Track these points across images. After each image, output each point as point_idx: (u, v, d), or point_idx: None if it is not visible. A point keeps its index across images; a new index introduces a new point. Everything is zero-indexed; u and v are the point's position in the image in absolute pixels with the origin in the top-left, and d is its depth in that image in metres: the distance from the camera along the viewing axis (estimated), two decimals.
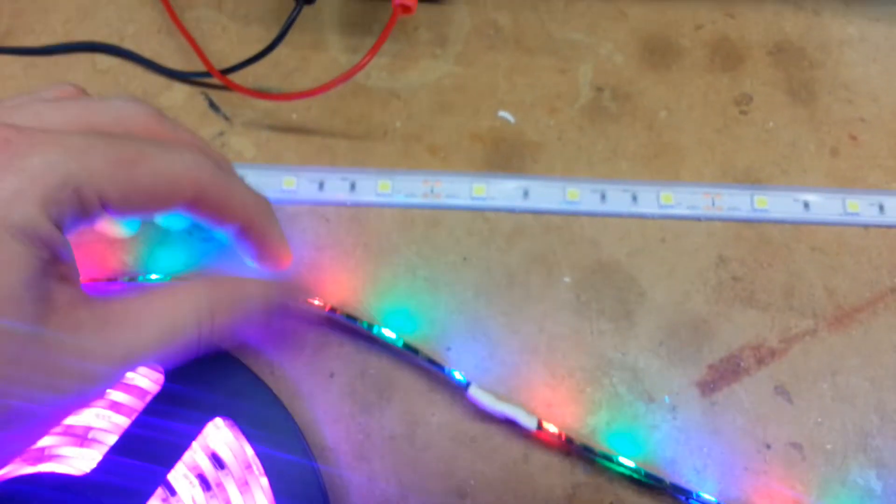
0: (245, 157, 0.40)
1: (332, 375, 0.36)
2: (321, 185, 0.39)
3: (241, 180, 0.31)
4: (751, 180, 0.42)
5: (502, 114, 0.42)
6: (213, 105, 0.41)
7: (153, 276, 0.36)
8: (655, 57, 0.44)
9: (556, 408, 0.36)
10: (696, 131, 0.42)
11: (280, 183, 0.39)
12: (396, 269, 0.38)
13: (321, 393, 0.36)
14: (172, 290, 0.28)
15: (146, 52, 0.42)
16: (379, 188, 0.40)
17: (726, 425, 0.37)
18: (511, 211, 0.40)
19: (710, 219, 0.40)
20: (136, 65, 0.42)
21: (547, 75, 0.43)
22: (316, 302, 0.36)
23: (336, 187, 0.40)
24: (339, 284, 0.38)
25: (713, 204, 0.40)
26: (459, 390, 0.35)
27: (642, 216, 0.40)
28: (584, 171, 0.41)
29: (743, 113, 0.43)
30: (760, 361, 0.38)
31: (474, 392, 0.35)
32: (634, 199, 0.40)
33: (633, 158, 0.42)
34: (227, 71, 0.40)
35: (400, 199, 0.39)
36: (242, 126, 0.41)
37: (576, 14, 0.45)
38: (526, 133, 0.42)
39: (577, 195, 0.40)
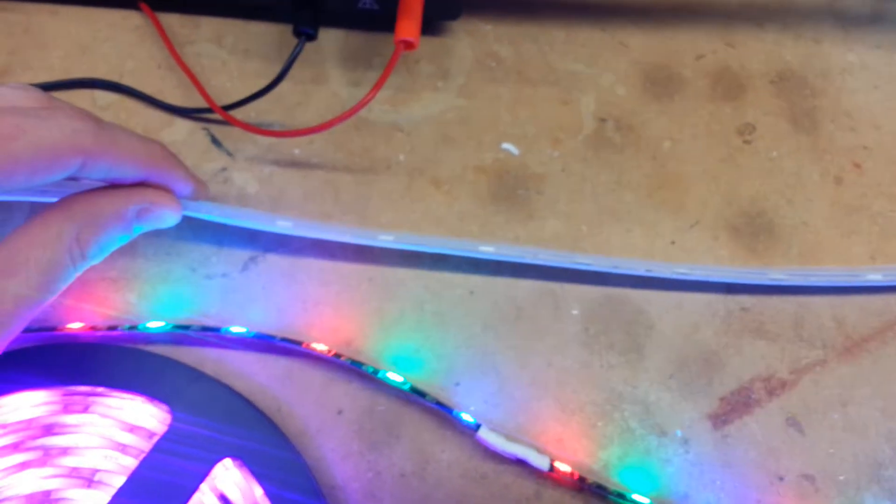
0: (248, 192, 0.40)
1: (340, 412, 0.36)
2: None
3: (126, 132, 0.31)
4: (755, 210, 0.41)
5: (506, 146, 0.42)
6: (215, 141, 0.41)
7: (152, 324, 0.35)
8: (657, 87, 0.44)
9: (567, 443, 0.36)
10: (700, 161, 0.42)
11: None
12: (403, 304, 0.38)
13: (329, 430, 0.35)
14: (32, 228, 0.28)
15: (146, 88, 0.42)
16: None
17: (739, 458, 0.36)
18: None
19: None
20: (136, 101, 0.42)
21: (549, 107, 0.43)
22: (320, 346, 0.35)
23: None
24: (345, 320, 0.37)
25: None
26: (469, 428, 0.35)
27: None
28: (588, 202, 0.41)
29: (746, 142, 0.43)
30: (771, 393, 0.38)
31: (484, 434, 0.34)
32: None
33: (637, 189, 0.41)
34: (229, 107, 0.39)
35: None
36: (245, 161, 0.40)
37: (576, 45, 0.45)
38: (529, 165, 0.42)
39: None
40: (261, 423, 0.33)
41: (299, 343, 0.35)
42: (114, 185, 0.31)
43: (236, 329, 0.35)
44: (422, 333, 0.37)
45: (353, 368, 0.35)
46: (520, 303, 0.38)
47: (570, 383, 0.37)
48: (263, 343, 0.36)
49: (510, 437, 0.35)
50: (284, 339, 0.35)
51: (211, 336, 0.35)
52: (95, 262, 0.30)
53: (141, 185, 0.32)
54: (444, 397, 0.36)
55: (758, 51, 0.46)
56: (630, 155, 0.42)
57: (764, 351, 0.38)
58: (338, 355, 0.35)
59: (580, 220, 0.40)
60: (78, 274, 0.30)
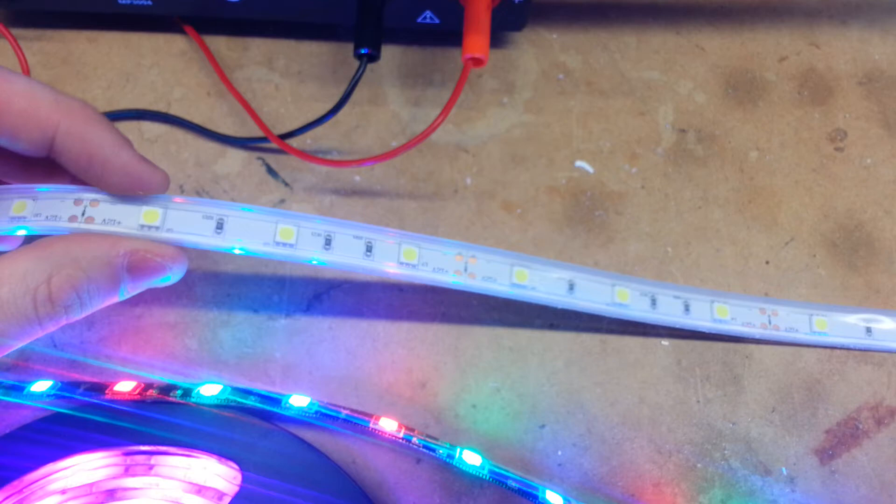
0: None
1: (418, 461, 0.33)
2: (328, 241, 0.30)
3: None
4: (853, 223, 0.38)
5: (579, 163, 0.39)
6: (271, 171, 0.38)
7: (207, 391, 0.32)
8: (739, 93, 0.41)
9: (664, 487, 0.33)
10: (791, 172, 0.39)
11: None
12: (479, 340, 0.35)
13: (408, 482, 0.33)
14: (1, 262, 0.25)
15: (196, 118, 0.39)
16: (403, 256, 0.31)
17: (849, 495, 0.33)
18: (553, 306, 0.33)
19: (765, 340, 0.36)
20: (186, 131, 0.39)
21: (624, 119, 0.40)
22: (390, 425, 0.32)
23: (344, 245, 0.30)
24: (418, 359, 0.35)
25: (770, 322, 0.36)
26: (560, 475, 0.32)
27: (694, 328, 0.35)
28: (672, 221, 0.38)
29: (838, 150, 0.40)
30: (880, 422, 0.35)
31: None
32: (686, 308, 0.35)
33: (725, 205, 0.38)
34: (286, 135, 0.37)
35: (426, 273, 0.32)
36: (304, 192, 0.38)
37: (649, 51, 0.42)
38: (607, 183, 0.39)
39: (627, 296, 0.35)
40: (337, 479, 0.31)
41: (367, 422, 0.32)
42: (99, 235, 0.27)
43: (298, 401, 0.32)
44: (501, 371, 0.35)
45: (425, 449, 0.32)
46: (604, 334, 0.36)
47: (665, 421, 0.34)
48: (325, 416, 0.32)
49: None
50: (350, 417, 0.32)
51: (271, 407, 0.32)
52: (73, 316, 0.26)
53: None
54: (528, 443, 0.33)
55: (843, 50, 0.43)
56: (715, 168, 0.39)
57: (870, 376, 0.36)
58: (409, 433, 0.32)
59: (665, 241, 0.38)
60: (45, 328, 0.25)
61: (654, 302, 0.35)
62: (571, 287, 0.34)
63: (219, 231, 0.29)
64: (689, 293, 0.36)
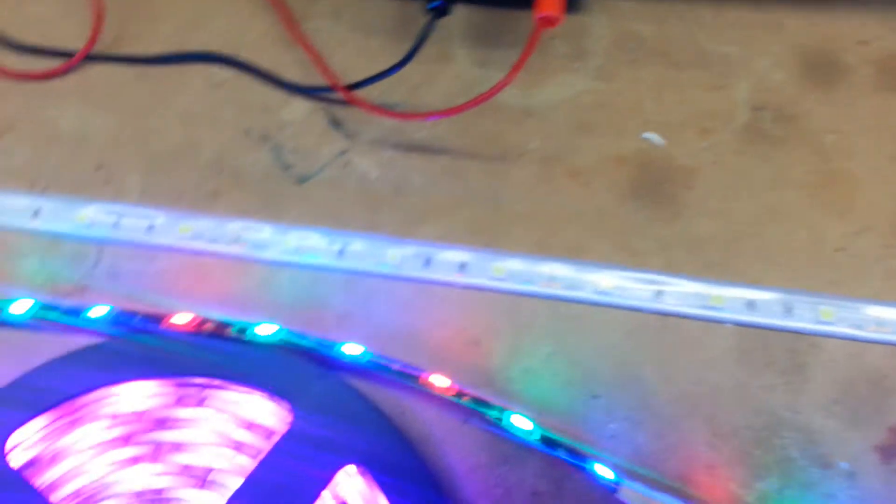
0: (369, 177, 0.37)
1: (466, 421, 0.32)
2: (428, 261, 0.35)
3: None
4: None
5: (647, 135, 0.38)
6: (333, 122, 0.38)
7: (263, 331, 0.32)
8: (818, 74, 0.40)
9: (719, 470, 0.32)
10: (869, 158, 0.38)
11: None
12: (537, 306, 0.35)
13: (455, 440, 0.32)
14: None
15: (262, 65, 0.39)
16: (493, 272, 0.35)
17: None
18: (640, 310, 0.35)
19: (874, 342, 0.34)
20: (252, 78, 0.39)
21: (698, 93, 0.39)
22: (440, 381, 0.32)
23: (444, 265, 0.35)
24: (474, 316, 0.34)
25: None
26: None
27: (795, 331, 0.34)
28: (743, 200, 0.37)
29: None
30: None
31: (627, 495, 0.30)
32: (789, 311, 0.35)
33: (799, 188, 0.37)
34: (353, 86, 0.36)
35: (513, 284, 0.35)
36: (366, 145, 0.37)
37: (727, 24, 0.41)
38: (676, 157, 0.38)
39: (722, 301, 0.35)
40: (386, 429, 0.30)
41: (416, 377, 0.32)
42: None
43: (351, 350, 0.32)
44: (556, 338, 0.34)
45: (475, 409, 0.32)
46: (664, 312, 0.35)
47: (724, 404, 0.33)
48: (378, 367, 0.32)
49: (655, 483, 0.31)
50: (400, 373, 0.32)
51: (325, 352, 0.32)
52: None
53: None
54: (579, 412, 0.32)
55: None
56: (790, 149, 0.38)
57: None
58: (459, 393, 0.31)
59: (735, 220, 0.36)
60: None
61: (750, 305, 0.34)
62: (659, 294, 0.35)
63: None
64: (793, 294, 0.35)
